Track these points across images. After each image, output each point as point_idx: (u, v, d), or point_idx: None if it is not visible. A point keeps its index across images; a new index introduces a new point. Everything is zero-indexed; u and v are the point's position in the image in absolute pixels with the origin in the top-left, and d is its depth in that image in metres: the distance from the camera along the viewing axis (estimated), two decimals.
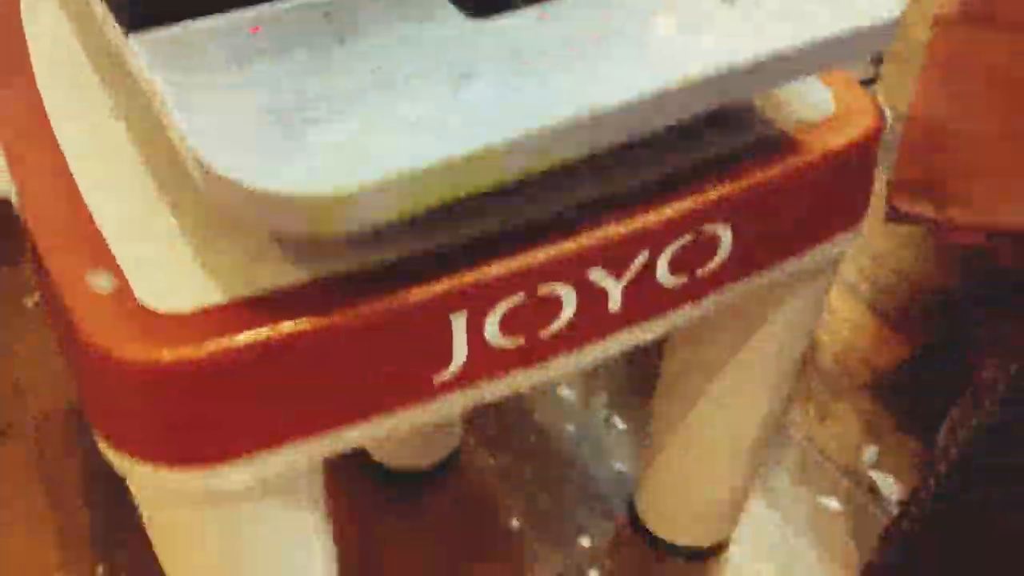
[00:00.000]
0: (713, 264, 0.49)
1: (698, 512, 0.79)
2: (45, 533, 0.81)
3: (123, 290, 0.39)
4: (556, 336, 0.46)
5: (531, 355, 0.46)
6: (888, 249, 1.10)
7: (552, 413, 0.93)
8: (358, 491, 0.86)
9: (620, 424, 0.92)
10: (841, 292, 1.05)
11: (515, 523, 0.85)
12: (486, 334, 0.44)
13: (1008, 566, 0.63)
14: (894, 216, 0.80)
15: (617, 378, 0.97)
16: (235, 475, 0.42)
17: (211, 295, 0.40)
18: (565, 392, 0.95)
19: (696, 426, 0.71)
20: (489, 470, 0.89)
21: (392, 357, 0.42)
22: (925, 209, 0.77)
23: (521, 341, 0.45)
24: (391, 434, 0.45)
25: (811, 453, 0.91)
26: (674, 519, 0.81)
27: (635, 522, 0.84)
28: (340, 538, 0.82)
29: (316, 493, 0.50)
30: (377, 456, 0.86)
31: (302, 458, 0.43)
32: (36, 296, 1.00)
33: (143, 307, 0.39)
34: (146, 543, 0.52)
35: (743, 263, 0.51)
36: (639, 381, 0.96)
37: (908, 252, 1.10)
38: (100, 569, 0.79)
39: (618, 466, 0.90)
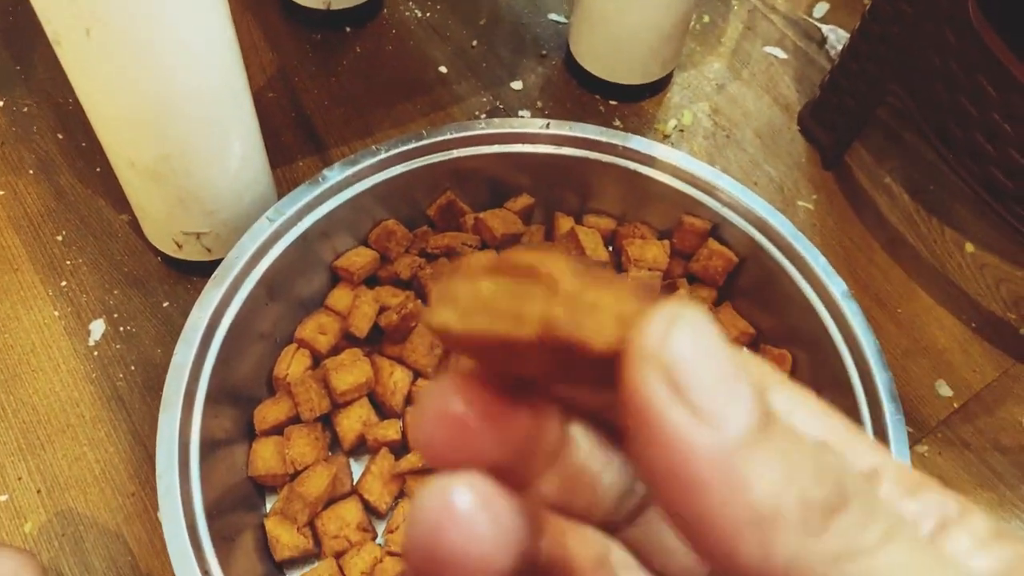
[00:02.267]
0: None
1: (633, 49, 0.74)
2: None
3: None
4: None
5: None
6: None
7: None
8: (280, 34, 0.80)
9: None
10: None
11: (443, 69, 0.79)
12: None
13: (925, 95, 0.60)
14: None
15: None
16: None
17: None
18: None
19: None
20: (416, 22, 0.83)
21: None
22: None
23: None
24: None
25: (760, 8, 0.86)
26: (609, 56, 0.76)
27: (570, 66, 0.79)
28: (261, 77, 0.77)
29: None
30: None
31: None
32: None
33: None
34: None
35: None
36: None
37: None
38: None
39: (553, 16, 0.84)
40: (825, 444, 0.14)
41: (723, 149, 0.76)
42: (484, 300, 0.15)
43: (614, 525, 0.18)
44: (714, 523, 0.13)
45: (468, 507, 0.15)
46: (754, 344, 0.65)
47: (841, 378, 0.57)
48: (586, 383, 0.16)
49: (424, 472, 0.55)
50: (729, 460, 0.12)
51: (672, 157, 0.65)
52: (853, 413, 0.56)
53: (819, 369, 0.60)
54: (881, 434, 0.55)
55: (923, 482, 0.15)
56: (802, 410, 0.15)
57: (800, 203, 0.73)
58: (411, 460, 0.55)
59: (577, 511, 0.18)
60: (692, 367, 0.13)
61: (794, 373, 0.62)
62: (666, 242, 0.65)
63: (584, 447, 0.17)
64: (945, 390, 0.65)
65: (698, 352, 0.13)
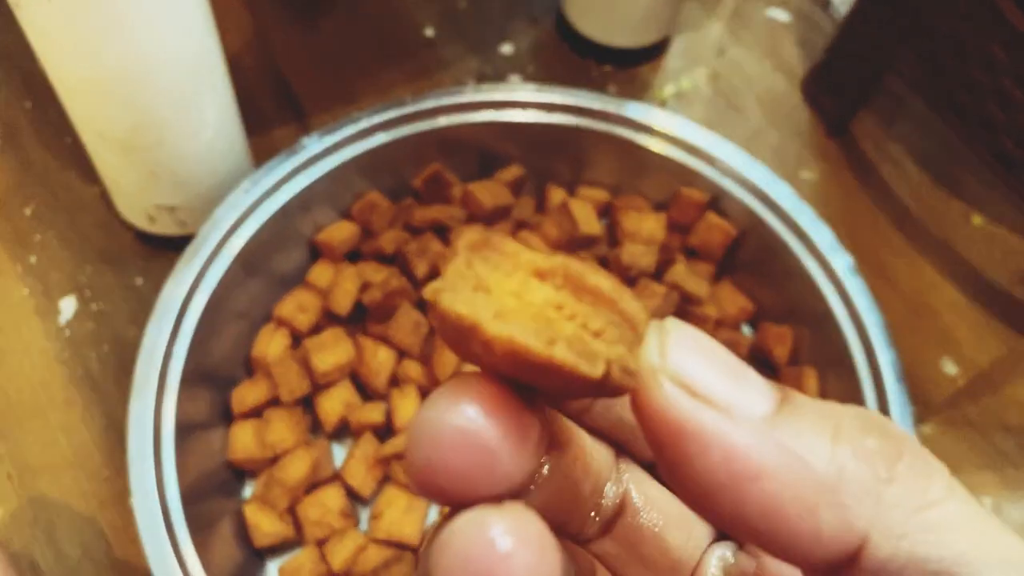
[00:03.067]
0: None
1: (629, 10, 0.71)
2: None
3: None
4: None
5: None
6: None
7: None
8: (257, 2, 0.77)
9: None
10: None
11: (430, 31, 0.76)
12: None
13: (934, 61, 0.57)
14: None
15: None
16: None
17: None
18: None
19: None
20: None
21: None
22: None
23: None
24: None
25: None
26: (604, 17, 0.73)
27: (563, 29, 0.76)
28: (237, 39, 0.74)
29: None
30: None
31: None
32: None
33: None
34: None
35: None
36: None
37: None
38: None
39: None
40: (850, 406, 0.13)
41: (723, 117, 0.73)
42: (539, 311, 0.13)
43: (585, 536, 0.18)
44: (785, 511, 0.12)
45: (511, 549, 0.12)
46: (754, 321, 0.62)
47: (844, 356, 0.55)
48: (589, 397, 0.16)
49: None
50: (774, 441, 0.12)
51: (669, 124, 0.62)
52: (856, 394, 0.53)
53: (822, 347, 0.57)
54: (884, 414, 0.52)
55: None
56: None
57: (803, 173, 0.70)
58: (396, 444, 0.52)
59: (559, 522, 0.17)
60: (697, 368, 0.13)
61: (796, 351, 0.59)
62: (663, 214, 0.62)
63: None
64: (950, 368, 0.63)
65: (695, 354, 0.13)
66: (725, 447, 0.12)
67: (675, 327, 0.14)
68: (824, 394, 0.56)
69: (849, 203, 0.69)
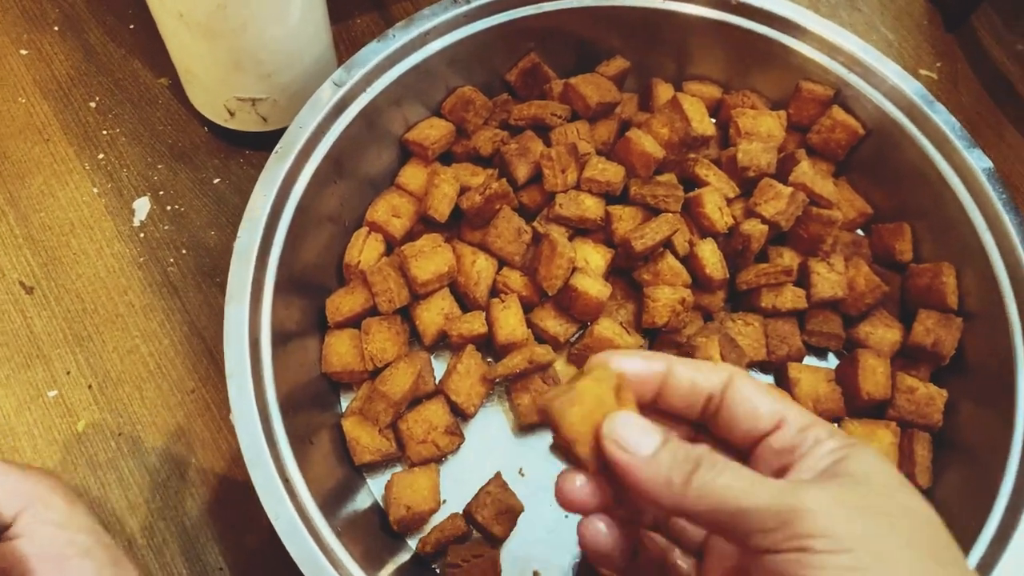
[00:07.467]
0: None
1: None
2: None
3: None
4: None
5: None
6: None
7: None
8: None
9: None
10: None
11: None
12: None
13: None
14: None
15: None
16: None
17: None
18: None
19: None
20: None
21: None
22: None
23: None
24: None
25: None
26: None
27: None
28: None
29: None
30: None
31: None
32: None
33: None
34: None
35: None
36: None
37: None
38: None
39: None
40: (698, 445, 0.29)
41: (836, 9, 0.67)
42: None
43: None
44: (653, 492, 0.28)
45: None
46: (867, 227, 0.58)
47: (978, 256, 0.51)
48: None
49: (523, 376, 0.50)
50: (651, 465, 0.28)
51: (786, 10, 0.56)
52: (994, 289, 0.49)
53: (951, 247, 0.53)
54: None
55: (810, 423, 0.29)
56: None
57: (922, 71, 0.65)
58: (508, 364, 0.49)
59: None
60: (623, 433, 0.29)
61: (917, 246, 0.55)
62: (782, 112, 0.57)
63: None
64: None
65: (623, 427, 0.29)
66: (632, 470, 0.28)
67: (617, 416, 0.30)
68: (962, 290, 0.52)
69: (972, 105, 0.64)
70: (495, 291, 0.53)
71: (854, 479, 0.26)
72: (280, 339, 0.47)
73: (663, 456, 0.28)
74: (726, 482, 0.27)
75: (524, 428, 0.51)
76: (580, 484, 0.30)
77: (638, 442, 0.29)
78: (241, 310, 0.45)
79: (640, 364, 0.31)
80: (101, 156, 0.58)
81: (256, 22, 0.48)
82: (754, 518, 0.26)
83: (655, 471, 0.28)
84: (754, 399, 0.30)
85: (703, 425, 0.32)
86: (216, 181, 0.58)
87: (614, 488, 0.31)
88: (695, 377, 0.31)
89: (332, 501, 0.46)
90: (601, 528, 0.31)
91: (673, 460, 0.28)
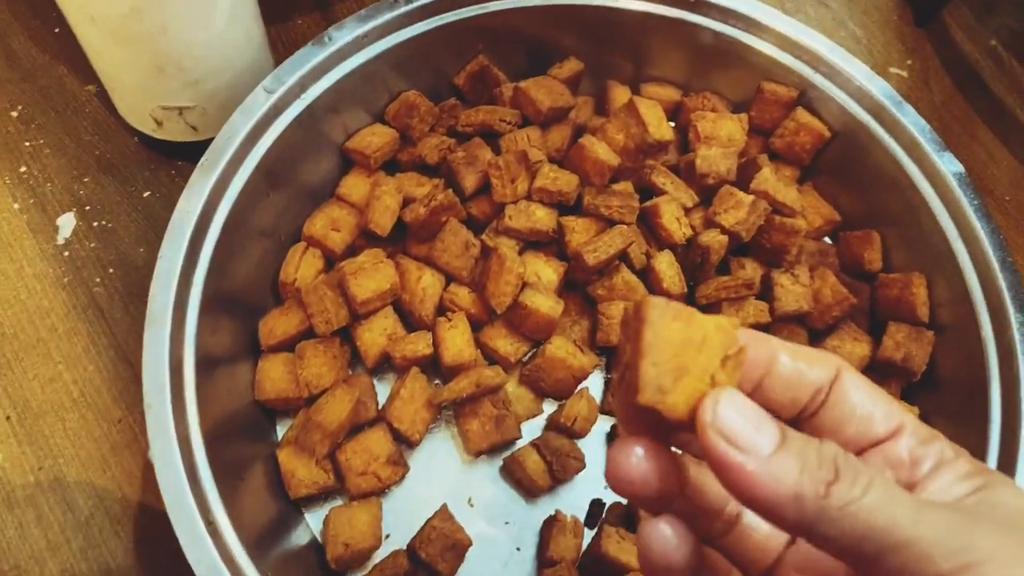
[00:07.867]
0: None
1: None
2: None
3: None
4: None
5: None
6: None
7: None
8: None
9: None
10: None
11: None
12: None
13: None
14: None
15: None
16: None
17: None
18: None
19: None
20: None
21: None
22: None
23: None
24: None
25: None
26: None
27: None
28: None
29: None
30: None
31: None
32: None
33: None
34: None
35: None
36: None
37: None
38: None
39: None
40: (825, 441, 0.22)
41: (802, 5, 0.64)
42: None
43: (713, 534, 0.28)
44: (772, 505, 0.21)
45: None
46: (834, 234, 0.55)
47: (948, 262, 0.48)
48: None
49: (471, 399, 0.46)
50: (768, 471, 0.21)
51: (749, 8, 0.53)
52: (965, 297, 0.47)
53: (920, 253, 0.50)
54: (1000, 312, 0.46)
55: (933, 435, 0.24)
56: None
57: (892, 69, 0.62)
58: (455, 388, 0.46)
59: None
60: (734, 424, 0.22)
61: (887, 255, 0.52)
62: (743, 115, 0.54)
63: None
64: None
65: (734, 412, 0.22)
66: (741, 477, 0.21)
67: (724, 396, 0.22)
68: (933, 302, 0.49)
69: (943, 104, 0.61)
70: (442, 309, 0.50)
71: (1014, 523, 0.21)
72: (206, 365, 0.44)
73: (787, 460, 0.21)
74: (878, 502, 0.21)
75: (473, 455, 0.48)
76: (638, 460, 0.23)
77: (753, 437, 0.21)
78: (162, 333, 0.42)
79: (753, 343, 0.24)
80: (23, 169, 0.55)
81: (175, 26, 0.45)
82: (917, 552, 0.20)
83: (778, 480, 0.21)
84: (870, 399, 0.24)
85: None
86: (146, 194, 0.54)
87: (678, 467, 0.24)
88: (802, 368, 0.25)
89: (266, 538, 0.43)
90: (667, 534, 0.24)
91: (803, 465, 0.21)
